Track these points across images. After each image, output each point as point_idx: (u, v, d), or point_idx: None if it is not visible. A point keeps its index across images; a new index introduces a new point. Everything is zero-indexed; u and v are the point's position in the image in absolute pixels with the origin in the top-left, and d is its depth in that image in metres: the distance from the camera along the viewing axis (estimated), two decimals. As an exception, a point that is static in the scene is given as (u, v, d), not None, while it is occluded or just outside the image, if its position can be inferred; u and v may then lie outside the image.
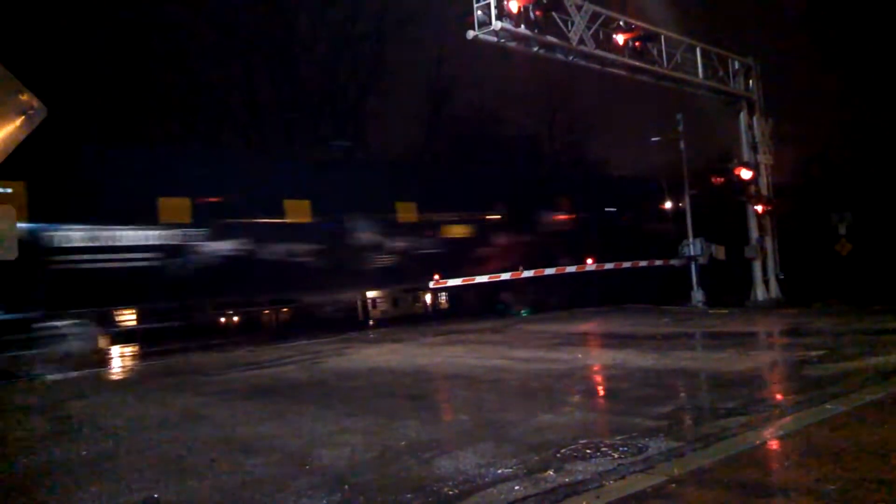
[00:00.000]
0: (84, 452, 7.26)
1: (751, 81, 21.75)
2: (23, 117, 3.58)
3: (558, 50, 16.30)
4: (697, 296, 21.83)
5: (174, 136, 32.71)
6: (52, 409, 10.17)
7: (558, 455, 6.09)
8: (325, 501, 5.29)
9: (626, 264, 23.77)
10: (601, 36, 16.71)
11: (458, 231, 22.44)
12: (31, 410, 10.29)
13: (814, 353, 11.14)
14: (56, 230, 15.21)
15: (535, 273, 21.93)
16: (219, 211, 18.05)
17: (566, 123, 45.20)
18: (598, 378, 10.35)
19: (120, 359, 16.16)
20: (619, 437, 6.54)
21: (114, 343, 16.23)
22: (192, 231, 17.12)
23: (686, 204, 22.73)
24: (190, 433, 7.86)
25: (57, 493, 5.93)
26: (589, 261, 23.21)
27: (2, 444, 7.89)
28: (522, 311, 22.68)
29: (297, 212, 19.33)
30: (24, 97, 3.59)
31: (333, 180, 20.52)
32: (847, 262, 24.22)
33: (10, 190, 14.44)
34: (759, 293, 21.17)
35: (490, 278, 21.24)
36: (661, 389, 9.03)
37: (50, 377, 13.55)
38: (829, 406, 7.30)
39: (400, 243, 20.72)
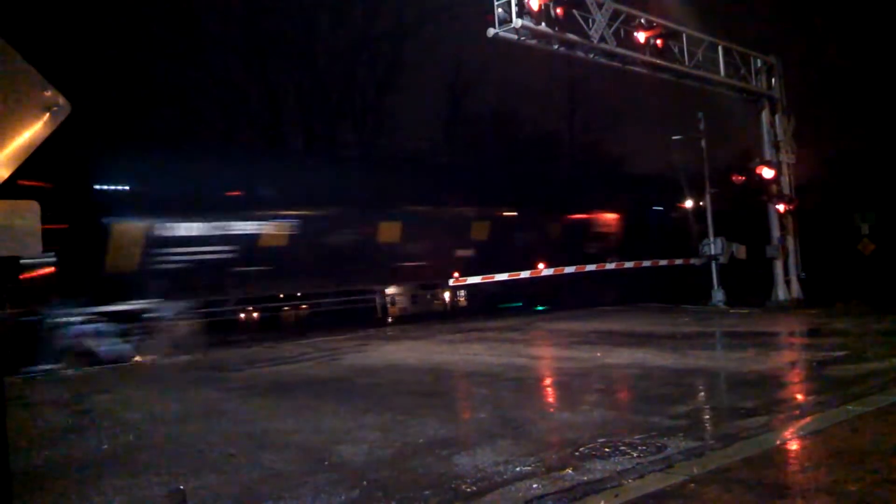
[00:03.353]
0: (105, 446, 7.34)
1: (773, 79, 21.50)
2: (47, 114, 3.56)
3: (579, 48, 16.21)
4: (718, 295, 21.66)
5: (193, 135, 32.89)
6: (73, 403, 10.30)
7: (577, 453, 6.08)
8: (343, 497, 5.31)
9: (646, 263, 23.63)
10: (622, 34, 16.59)
11: (481, 228, 22.28)
12: (53, 404, 10.40)
13: (835, 354, 11.04)
14: (166, 225, 15.71)
15: (554, 271, 21.86)
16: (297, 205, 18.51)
17: (585, 121, 44.94)
18: (617, 377, 10.30)
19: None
20: (637, 436, 6.51)
21: (215, 330, 16.53)
22: (279, 226, 17.55)
23: (707, 203, 22.57)
24: (210, 428, 7.92)
25: (78, 487, 6.00)
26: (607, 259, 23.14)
27: (25, 437, 7.97)
28: (539, 308, 22.62)
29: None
30: (48, 93, 3.56)
31: (361, 179, 20.67)
32: (870, 262, 23.91)
33: (127, 188, 15.35)
34: (781, 293, 20.97)
35: (510, 276, 21.17)
36: (681, 389, 8.99)
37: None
38: (850, 407, 7.23)
39: (425, 240, 20.68)
